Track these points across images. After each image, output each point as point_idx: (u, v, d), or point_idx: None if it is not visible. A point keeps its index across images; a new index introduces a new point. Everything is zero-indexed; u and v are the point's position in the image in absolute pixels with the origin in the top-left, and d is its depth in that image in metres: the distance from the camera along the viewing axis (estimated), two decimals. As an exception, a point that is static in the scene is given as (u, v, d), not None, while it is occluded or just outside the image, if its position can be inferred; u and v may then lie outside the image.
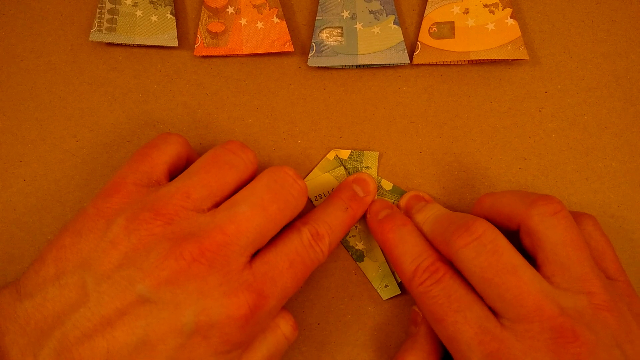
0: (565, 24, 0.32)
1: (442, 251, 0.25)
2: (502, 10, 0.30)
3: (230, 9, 0.31)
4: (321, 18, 0.31)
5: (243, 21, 0.31)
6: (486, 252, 0.23)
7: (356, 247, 0.29)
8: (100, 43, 0.32)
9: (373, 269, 0.29)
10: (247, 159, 0.25)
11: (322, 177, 0.30)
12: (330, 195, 0.28)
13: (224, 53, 0.31)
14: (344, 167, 0.30)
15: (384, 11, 0.31)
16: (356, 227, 0.30)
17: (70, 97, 0.31)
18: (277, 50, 0.31)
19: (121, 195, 0.24)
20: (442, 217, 0.26)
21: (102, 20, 0.31)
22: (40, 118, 0.31)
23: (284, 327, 0.25)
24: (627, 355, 0.21)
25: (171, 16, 0.31)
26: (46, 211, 0.30)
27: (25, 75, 0.31)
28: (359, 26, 0.31)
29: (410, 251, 0.25)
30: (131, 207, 0.23)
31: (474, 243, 0.23)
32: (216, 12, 0.31)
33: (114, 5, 0.31)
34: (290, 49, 0.31)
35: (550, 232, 0.23)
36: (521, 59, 0.31)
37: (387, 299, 0.29)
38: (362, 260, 0.29)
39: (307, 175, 0.30)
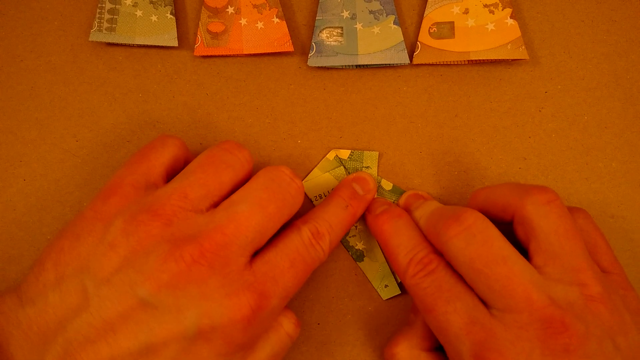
0: (565, 24, 0.32)
1: (434, 243, 0.25)
2: (502, 10, 0.30)
3: (230, 9, 0.31)
4: (321, 18, 0.31)
5: (243, 21, 0.31)
6: (476, 242, 0.22)
7: (356, 247, 0.29)
8: (100, 43, 0.32)
9: (373, 269, 0.29)
10: (244, 158, 0.25)
11: (322, 177, 0.30)
12: (330, 194, 0.28)
13: (224, 53, 0.31)
14: (344, 167, 0.30)
15: (384, 11, 0.31)
16: (356, 227, 0.30)
17: (70, 97, 0.31)
18: (277, 50, 0.31)
19: (119, 197, 0.24)
20: (436, 211, 0.25)
21: (102, 20, 0.31)
22: (40, 118, 0.31)
23: (287, 325, 0.25)
24: (619, 347, 0.21)
25: (171, 16, 0.31)
26: (46, 211, 0.30)
27: (25, 75, 0.31)
28: (359, 26, 0.31)
29: (405, 243, 0.25)
30: (129, 209, 0.23)
31: (464, 233, 0.23)
32: (216, 12, 0.31)
33: (114, 5, 0.31)
34: (290, 49, 0.31)
35: (544, 221, 0.23)
36: (521, 59, 0.31)
37: (387, 299, 0.29)
38: (362, 260, 0.29)
39: (307, 175, 0.30)
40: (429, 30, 0.31)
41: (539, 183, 0.30)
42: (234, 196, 0.24)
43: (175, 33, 0.31)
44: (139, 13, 0.31)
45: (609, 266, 0.25)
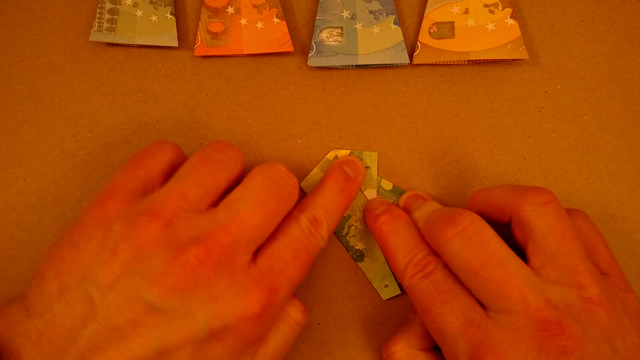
0: (565, 24, 0.32)
1: (431, 245, 0.25)
2: (502, 10, 0.30)
3: (230, 9, 0.31)
4: (321, 18, 0.31)
5: (243, 21, 0.31)
6: (472, 244, 0.22)
7: (356, 247, 0.29)
8: (100, 43, 0.32)
9: (373, 269, 0.29)
10: (236, 157, 0.25)
11: (322, 176, 0.30)
12: (322, 179, 0.28)
13: (224, 53, 0.31)
14: (344, 167, 0.30)
15: (384, 11, 0.31)
16: (356, 227, 0.30)
17: (70, 97, 0.31)
18: (277, 50, 0.31)
19: (116, 201, 0.23)
20: (434, 212, 0.25)
21: (102, 20, 0.31)
22: (40, 118, 0.31)
23: (294, 313, 0.25)
24: (616, 350, 0.21)
25: (171, 16, 0.31)
26: (46, 211, 0.30)
27: (25, 75, 0.31)
28: (359, 26, 0.31)
29: (404, 245, 0.25)
30: (127, 213, 0.22)
31: (460, 235, 0.23)
32: (216, 12, 0.31)
33: (114, 5, 0.31)
34: (290, 49, 0.31)
35: (541, 222, 0.23)
36: (521, 59, 0.31)
37: (387, 299, 0.29)
38: (362, 260, 0.29)
39: (307, 175, 0.30)
40: (429, 30, 0.31)
41: (539, 183, 0.30)
42: (233, 195, 0.24)
43: (175, 33, 0.31)
44: (139, 13, 0.31)
45: (607, 268, 0.25)
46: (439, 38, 0.31)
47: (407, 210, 0.28)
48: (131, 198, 0.24)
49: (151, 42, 0.31)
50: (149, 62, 0.32)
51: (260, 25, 0.31)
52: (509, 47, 0.30)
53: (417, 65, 0.31)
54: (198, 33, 0.31)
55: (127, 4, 0.31)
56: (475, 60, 0.31)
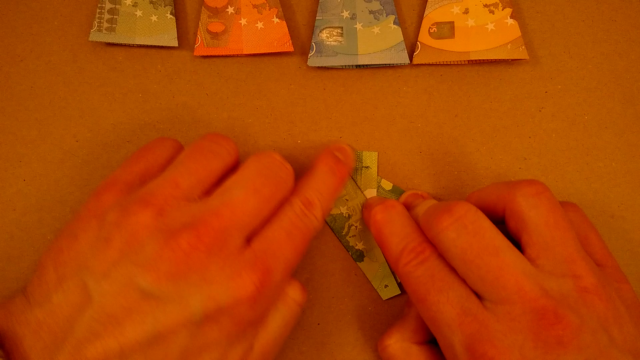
0: (565, 24, 0.32)
1: (428, 236, 0.25)
2: (502, 10, 0.30)
3: (230, 9, 0.31)
4: (321, 18, 0.31)
5: (243, 21, 0.31)
6: (467, 233, 0.22)
7: (356, 247, 0.29)
8: (100, 43, 0.32)
9: (373, 269, 0.29)
10: (230, 147, 0.25)
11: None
12: (314, 163, 0.27)
13: (224, 53, 0.31)
14: (344, 167, 0.30)
15: (384, 11, 0.31)
16: (356, 227, 0.30)
17: (70, 97, 0.31)
18: (277, 50, 0.31)
19: (112, 193, 0.24)
20: (432, 206, 0.25)
21: (102, 20, 0.31)
22: (40, 118, 0.31)
23: (293, 293, 0.25)
24: (613, 339, 0.21)
25: (171, 16, 0.31)
26: (46, 211, 0.30)
27: (25, 75, 0.31)
28: (359, 26, 0.31)
29: (398, 232, 0.25)
30: (120, 203, 0.23)
31: (455, 224, 0.23)
32: (216, 12, 0.31)
33: (114, 5, 0.31)
34: (290, 49, 0.31)
35: (534, 212, 0.23)
36: (521, 59, 0.31)
37: (387, 299, 0.29)
38: (362, 260, 0.29)
39: (307, 175, 0.30)
40: (429, 30, 0.31)
41: (539, 183, 0.30)
42: (227, 182, 0.24)
43: (175, 33, 0.31)
44: (139, 13, 0.31)
45: (602, 259, 0.25)
46: (439, 38, 0.31)
47: (407, 208, 0.28)
48: (127, 190, 0.24)
49: (151, 42, 0.31)
50: (149, 62, 0.32)
51: (260, 25, 0.31)
52: (509, 47, 0.30)
53: (417, 65, 0.31)
54: (198, 33, 0.31)
55: (127, 4, 0.31)
56: (475, 60, 0.31)
